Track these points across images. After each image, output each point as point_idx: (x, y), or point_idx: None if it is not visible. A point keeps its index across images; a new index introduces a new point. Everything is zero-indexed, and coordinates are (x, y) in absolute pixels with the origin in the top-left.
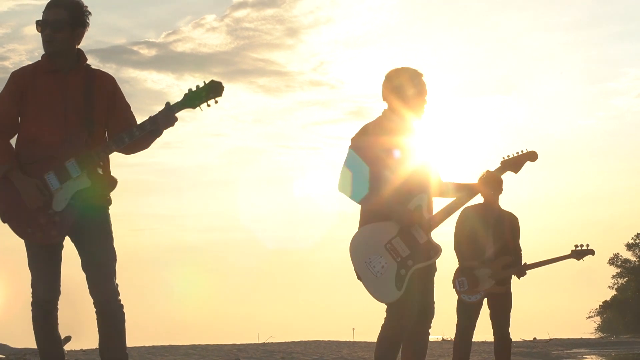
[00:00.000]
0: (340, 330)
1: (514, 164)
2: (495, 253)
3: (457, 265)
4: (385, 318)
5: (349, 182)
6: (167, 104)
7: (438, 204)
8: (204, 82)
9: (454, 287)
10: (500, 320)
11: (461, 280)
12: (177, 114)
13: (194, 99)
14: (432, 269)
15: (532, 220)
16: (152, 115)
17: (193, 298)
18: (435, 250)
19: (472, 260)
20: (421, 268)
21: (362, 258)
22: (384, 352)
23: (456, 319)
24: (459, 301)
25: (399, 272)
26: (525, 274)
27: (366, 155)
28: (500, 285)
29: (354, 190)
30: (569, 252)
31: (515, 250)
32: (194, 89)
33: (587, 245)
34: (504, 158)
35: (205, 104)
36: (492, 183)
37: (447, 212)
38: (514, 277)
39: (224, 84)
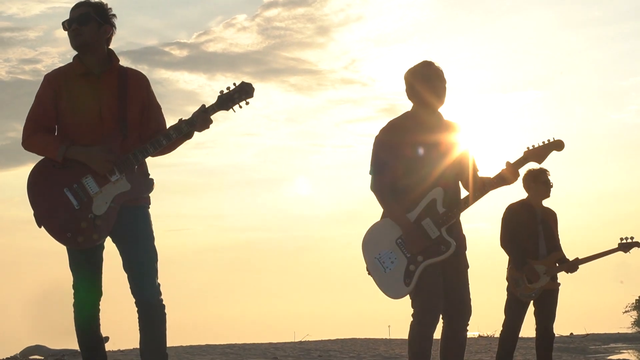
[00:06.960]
0: (376, 328)
1: (538, 154)
2: (547, 249)
3: (507, 263)
4: (412, 315)
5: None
6: (203, 106)
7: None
8: (234, 83)
9: (509, 286)
10: (547, 315)
11: (516, 278)
12: (212, 116)
13: (227, 100)
14: (462, 265)
15: (567, 216)
16: (186, 118)
17: (230, 297)
18: (447, 246)
19: (527, 258)
20: (448, 264)
21: (372, 253)
22: (416, 351)
23: (503, 316)
24: (512, 299)
25: (408, 268)
26: (577, 269)
27: (385, 149)
28: (553, 280)
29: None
30: (616, 246)
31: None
32: (225, 90)
33: (632, 238)
34: (527, 148)
35: (238, 105)
36: (543, 180)
37: (470, 199)
38: (561, 273)
39: (255, 84)
